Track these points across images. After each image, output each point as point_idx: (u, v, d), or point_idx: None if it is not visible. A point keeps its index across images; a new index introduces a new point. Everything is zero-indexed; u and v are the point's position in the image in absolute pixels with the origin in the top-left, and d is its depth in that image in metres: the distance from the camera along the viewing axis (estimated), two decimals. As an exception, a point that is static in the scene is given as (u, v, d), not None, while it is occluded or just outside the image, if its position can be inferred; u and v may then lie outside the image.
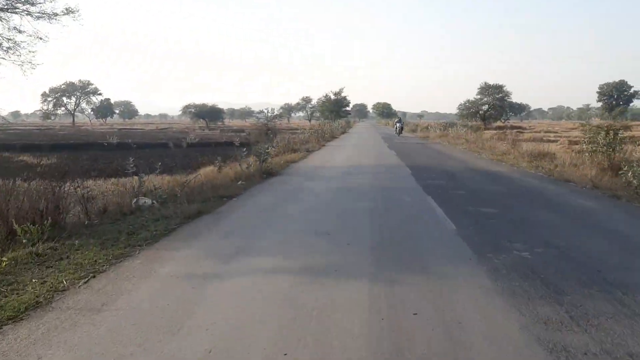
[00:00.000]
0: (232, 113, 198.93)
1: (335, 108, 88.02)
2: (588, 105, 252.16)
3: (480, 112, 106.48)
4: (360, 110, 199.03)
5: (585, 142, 19.44)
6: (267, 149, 17.10)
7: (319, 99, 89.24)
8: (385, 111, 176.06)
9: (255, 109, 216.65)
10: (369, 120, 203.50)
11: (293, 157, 23.03)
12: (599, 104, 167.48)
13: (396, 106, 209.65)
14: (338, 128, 53.13)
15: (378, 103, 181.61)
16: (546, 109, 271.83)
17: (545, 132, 57.04)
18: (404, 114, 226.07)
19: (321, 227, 8.74)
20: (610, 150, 18.24)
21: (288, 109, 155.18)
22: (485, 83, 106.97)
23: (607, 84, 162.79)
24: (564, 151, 22.07)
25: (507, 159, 22.09)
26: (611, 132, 18.84)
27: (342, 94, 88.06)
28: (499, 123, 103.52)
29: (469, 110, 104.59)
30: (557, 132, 55.96)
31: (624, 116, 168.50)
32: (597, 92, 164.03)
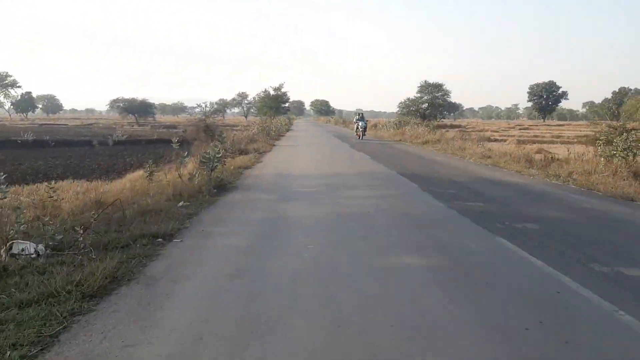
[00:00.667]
0: (164, 108, 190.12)
1: (275, 104, 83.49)
2: (516, 105, 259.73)
3: (420, 110, 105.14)
4: (298, 107, 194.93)
5: (601, 144, 16.48)
6: (218, 152, 12.52)
7: (257, 94, 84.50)
8: (323, 108, 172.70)
9: (188, 104, 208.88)
10: (307, 117, 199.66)
11: (244, 161, 18.43)
12: (529, 104, 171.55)
13: (333, 104, 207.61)
14: (282, 125, 48.99)
15: (316, 100, 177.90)
16: (477, 109, 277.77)
17: (485, 131, 55.80)
18: (341, 111, 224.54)
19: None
20: (631, 154, 15.36)
21: (223, 105, 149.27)
22: (425, 82, 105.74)
23: (537, 85, 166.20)
24: (566, 154, 18.86)
25: (501, 163, 18.68)
26: (631, 134, 15.99)
27: (282, 90, 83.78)
28: (437, 122, 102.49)
29: (409, 109, 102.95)
30: (497, 131, 54.97)
31: (550, 116, 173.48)
32: (528, 92, 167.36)
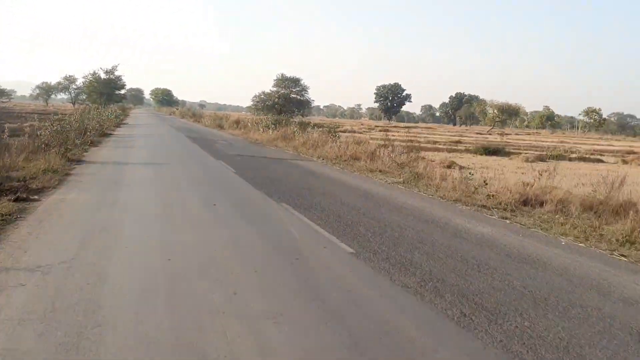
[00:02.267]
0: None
1: (107, 90, 66.70)
2: (359, 105, 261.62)
3: (276, 105, 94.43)
4: (136, 95, 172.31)
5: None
6: None
7: (84, 77, 66.93)
8: (165, 98, 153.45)
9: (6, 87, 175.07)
10: (147, 107, 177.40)
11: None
12: (375, 105, 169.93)
13: (176, 94, 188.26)
14: (111, 117, 34.52)
15: (157, 89, 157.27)
16: (322, 107, 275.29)
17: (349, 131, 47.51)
18: (184, 102, 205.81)
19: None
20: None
21: (46, 89, 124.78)
22: (282, 75, 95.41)
23: (384, 86, 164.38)
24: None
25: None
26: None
27: (117, 73, 67.08)
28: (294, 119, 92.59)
29: (265, 103, 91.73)
30: (360, 132, 47.93)
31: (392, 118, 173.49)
32: (375, 93, 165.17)
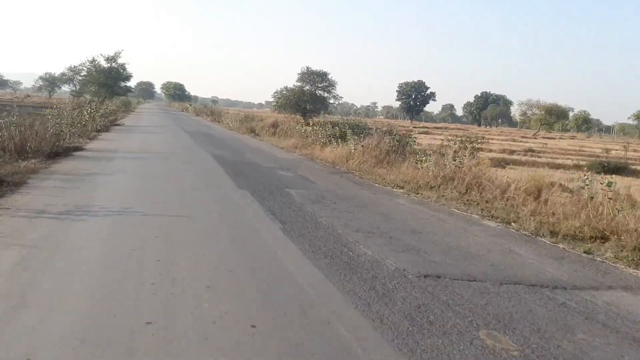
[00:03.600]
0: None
1: (109, 81, 55.83)
2: (375, 103, 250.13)
3: (300, 103, 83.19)
4: (147, 89, 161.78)
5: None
6: None
7: (81, 64, 55.94)
8: (177, 93, 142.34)
9: (11, 78, 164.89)
10: (157, 102, 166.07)
11: None
12: (397, 103, 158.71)
13: (189, 88, 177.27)
14: (95, 115, 23.30)
15: (168, 82, 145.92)
16: (335, 104, 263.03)
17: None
18: (196, 97, 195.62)
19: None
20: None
21: (50, 81, 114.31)
22: (308, 68, 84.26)
23: (407, 83, 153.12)
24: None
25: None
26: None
27: (120, 60, 56.02)
28: (319, 118, 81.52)
29: (288, 101, 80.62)
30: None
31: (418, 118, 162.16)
32: (397, 91, 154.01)
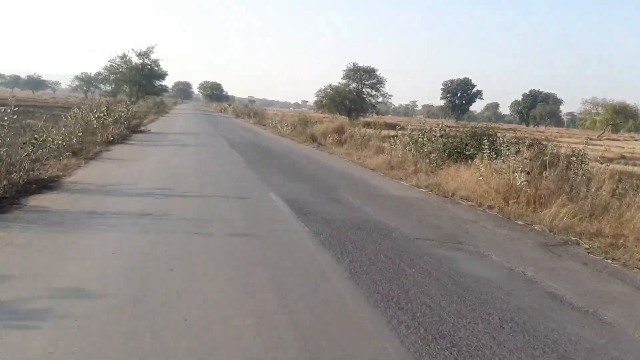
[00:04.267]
0: (16, 81, 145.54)
1: (141, 79, 50.32)
2: (414, 102, 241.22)
3: (346, 102, 76.49)
4: (184, 89, 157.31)
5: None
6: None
7: (111, 61, 50.49)
8: (215, 93, 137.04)
9: (49, 78, 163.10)
10: (195, 102, 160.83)
11: None
12: (442, 102, 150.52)
13: (227, 88, 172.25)
14: (114, 117, 17.34)
15: (206, 82, 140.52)
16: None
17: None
18: (233, 97, 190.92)
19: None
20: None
21: (86, 80, 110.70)
22: (354, 65, 77.57)
23: (452, 81, 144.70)
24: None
25: None
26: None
27: (152, 56, 50.35)
28: (366, 118, 74.69)
29: (333, 100, 73.98)
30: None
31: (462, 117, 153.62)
32: (442, 89, 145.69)
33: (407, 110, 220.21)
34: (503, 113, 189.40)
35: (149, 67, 49.69)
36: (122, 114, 19.88)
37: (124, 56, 48.74)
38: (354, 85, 73.38)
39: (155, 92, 58.69)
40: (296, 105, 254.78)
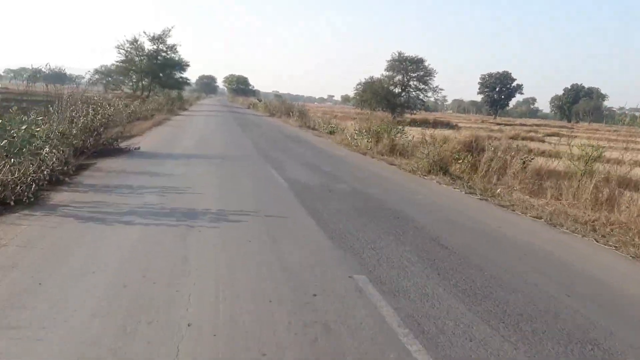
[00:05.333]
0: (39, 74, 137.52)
1: (155, 67, 40.62)
2: (444, 96, 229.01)
3: (389, 97, 66.10)
4: (208, 83, 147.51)
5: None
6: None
7: (119, 45, 40.66)
8: (240, 87, 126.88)
9: (71, 72, 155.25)
10: (220, 97, 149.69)
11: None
12: (479, 97, 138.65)
13: (253, 82, 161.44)
14: (83, 125, 8.33)
15: (231, 75, 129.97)
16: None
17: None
18: (258, 92, 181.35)
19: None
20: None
21: (106, 73, 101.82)
22: (400, 54, 67.02)
23: (490, 75, 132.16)
24: None
25: None
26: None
27: (168, 41, 40.55)
28: (414, 115, 64.33)
29: (376, 94, 63.74)
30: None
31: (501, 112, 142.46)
32: (479, 83, 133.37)
33: (436, 106, 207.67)
34: (539, 108, 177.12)
35: (164, 53, 39.89)
36: (91, 120, 10.08)
37: (134, 41, 39.00)
38: (398, 77, 62.92)
39: (175, 86, 49.17)
40: (321, 100, 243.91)
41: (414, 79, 62.97)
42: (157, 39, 39.21)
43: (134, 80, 41.94)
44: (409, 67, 63.03)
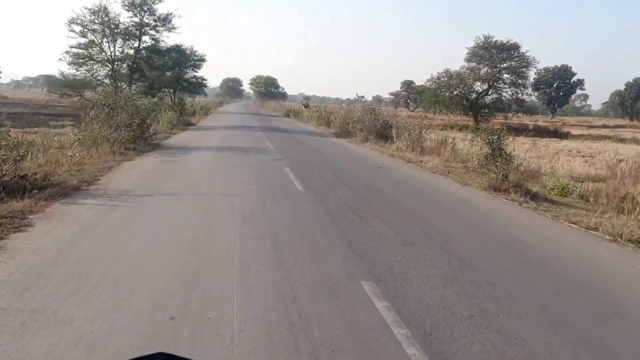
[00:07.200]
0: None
1: (151, 61, 23.87)
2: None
3: (471, 96, 48.14)
4: (233, 87, 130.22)
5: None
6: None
7: (74, 19, 24.29)
8: (269, 89, 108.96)
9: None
10: (246, 101, 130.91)
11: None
12: (534, 94, 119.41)
13: (281, 83, 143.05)
14: None
15: (259, 77, 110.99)
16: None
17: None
18: (286, 95, 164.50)
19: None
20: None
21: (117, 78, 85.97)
22: (485, 41, 48.70)
23: (547, 70, 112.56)
24: None
25: None
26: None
27: (172, 23, 23.60)
28: (499, 119, 46.51)
29: (455, 92, 45.97)
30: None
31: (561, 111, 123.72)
32: (534, 79, 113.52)
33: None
34: (590, 104, 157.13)
35: (152, 30, 22.83)
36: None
37: (100, 10, 21.87)
38: (485, 70, 45.08)
39: (191, 90, 32.75)
40: (348, 101, 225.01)
41: (506, 71, 44.81)
42: (138, 7, 22.01)
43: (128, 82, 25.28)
44: (497, 56, 44.85)
